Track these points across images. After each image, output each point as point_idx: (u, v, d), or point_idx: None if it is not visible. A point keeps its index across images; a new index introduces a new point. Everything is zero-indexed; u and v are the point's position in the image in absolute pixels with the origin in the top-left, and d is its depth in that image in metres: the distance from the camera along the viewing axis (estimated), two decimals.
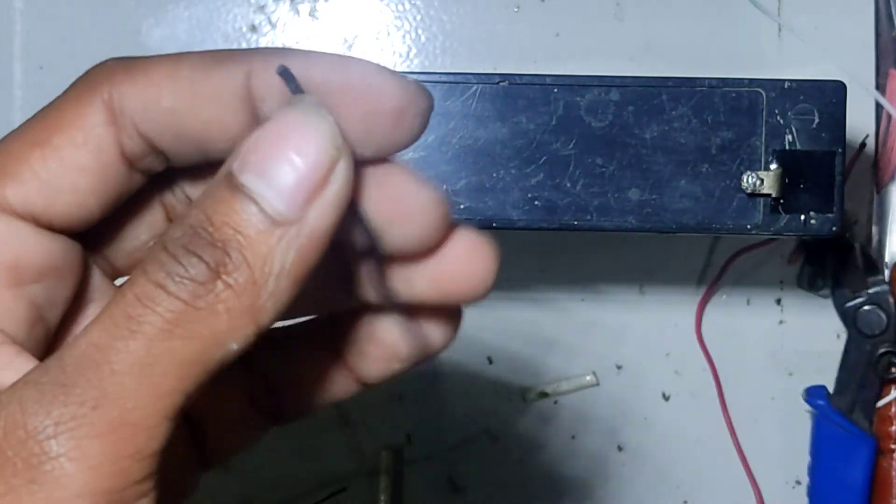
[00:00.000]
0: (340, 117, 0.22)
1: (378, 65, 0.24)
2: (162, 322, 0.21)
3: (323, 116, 0.22)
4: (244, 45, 0.54)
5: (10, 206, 0.24)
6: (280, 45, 0.22)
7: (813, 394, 0.52)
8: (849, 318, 0.52)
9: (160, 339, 0.21)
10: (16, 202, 0.24)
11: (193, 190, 0.27)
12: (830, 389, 0.52)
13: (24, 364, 0.23)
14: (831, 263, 0.52)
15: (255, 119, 0.24)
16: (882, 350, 0.51)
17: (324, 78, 0.23)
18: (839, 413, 0.51)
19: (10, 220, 0.24)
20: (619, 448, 0.55)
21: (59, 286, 0.25)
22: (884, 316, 0.51)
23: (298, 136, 0.22)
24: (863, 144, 0.52)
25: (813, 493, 0.53)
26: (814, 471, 0.53)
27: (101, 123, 0.24)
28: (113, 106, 0.24)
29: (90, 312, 0.26)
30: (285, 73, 0.23)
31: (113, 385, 0.21)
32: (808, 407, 0.52)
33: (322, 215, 0.22)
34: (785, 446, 0.54)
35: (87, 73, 0.25)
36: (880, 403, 0.52)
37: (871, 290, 0.52)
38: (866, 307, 0.52)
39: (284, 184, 0.21)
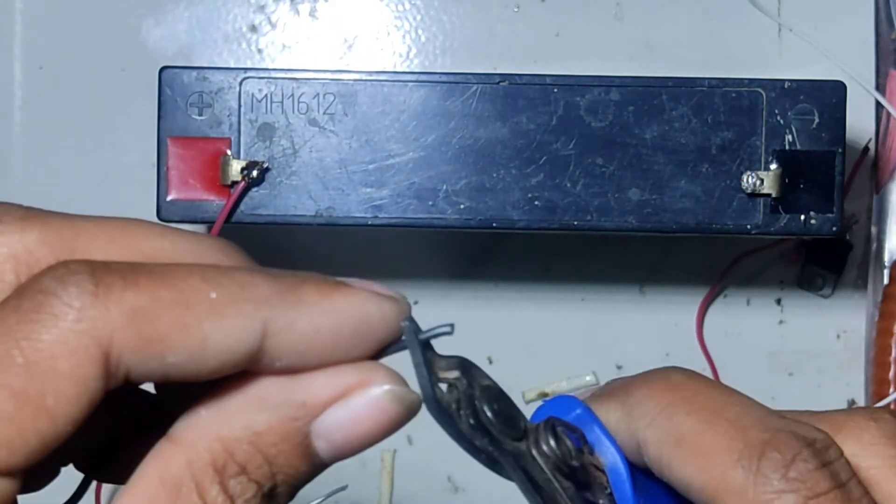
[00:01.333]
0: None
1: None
2: None
3: (409, 404, 0.22)
4: (244, 46, 0.54)
5: None
6: (299, 280, 0.20)
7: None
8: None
9: None
10: None
11: None
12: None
13: None
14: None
15: (252, 362, 0.22)
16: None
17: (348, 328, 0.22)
18: None
19: None
20: None
21: None
22: None
23: (385, 425, 0.22)
24: (866, 148, 0.52)
25: None
26: None
27: (93, 378, 0.20)
28: (110, 361, 0.20)
29: None
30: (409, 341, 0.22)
31: None
32: (806, 406, 0.52)
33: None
34: None
35: (64, 290, 0.20)
36: (885, 401, 0.52)
37: None
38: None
39: (346, 455, 0.22)
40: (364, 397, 0.22)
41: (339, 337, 0.22)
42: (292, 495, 0.22)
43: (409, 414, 0.22)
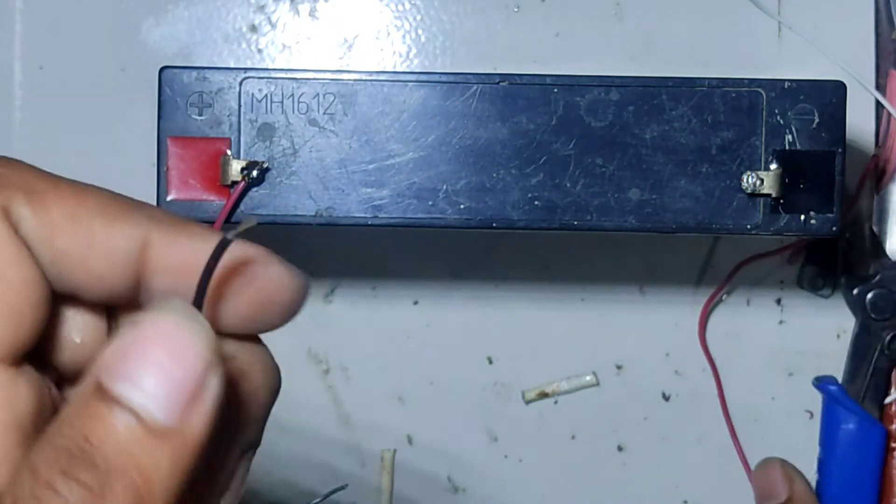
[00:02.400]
0: (224, 304, 0.23)
1: (268, 253, 0.24)
2: None
3: (197, 321, 0.21)
4: (244, 46, 0.54)
5: None
6: (170, 212, 0.22)
7: (825, 381, 0.52)
8: (859, 302, 0.52)
9: None
10: None
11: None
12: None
13: None
14: (842, 247, 0.52)
15: (137, 285, 0.23)
16: (892, 333, 0.51)
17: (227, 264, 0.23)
18: (851, 399, 0.51)
19: None
20: (619, 448, 0.55)
21: None
22: (894, 299, 0.52)
23: (174, 342, 0.21)
24: (874, 156, 0.52)
25: (824, 480, 0.52)
26: (824, 458, 0.52)
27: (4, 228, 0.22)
28: (11, 218, 0.22)
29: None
30: (218, 250, 0.23)
31: None
32: (806, 405, 0.52)
33: (201, 422, 0.21)
34: (785, 446, 0.54)
35: None
36: (887, 400, 0.52)
37: (881, 274, 0.52)
38: (877, 291, 0.52)
39: (162, 392, 0.20)
40: (147, 323, 0.21)
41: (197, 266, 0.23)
42: (151, 469, 0.20)
43: (190, 322, 0.21)
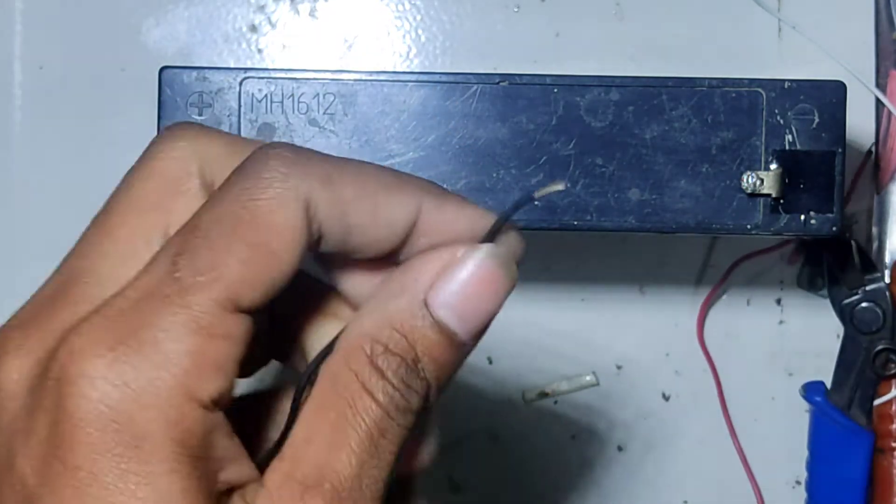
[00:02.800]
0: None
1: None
2: (369, 430, 0.25)
3: (513, 271, 0.27)
4: (244, 46, 0.54)
5: (235, 304, 0.25)
6: (430, 181, 0.27)
7: (811, 390, 0.52)
8: (846, 315, 0.52)
9: (368, 440, 0.25)
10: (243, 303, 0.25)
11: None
12: (829, 386, 0.52)
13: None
14: (828, 261, 0.52)
15: (403, 245, 0.27)
16: (879, 347, 0.51)
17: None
18: (836, 409, 0.51)
19: (237, 317, 0.25)
20: (619, 448, 0.55)
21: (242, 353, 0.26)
22: (880, 313, 0.51)
23: (495, 287, 0.27)
24: (869, 152, 0.52)
25: (811, 489, 0.53)
26: (812, 467, 0.53)
27: (301, 228, 0.25)
28: (310, 213, 0.25)
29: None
30: (501, 221, 0.27)
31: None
32: (807, 405, 0.52)
33: (475, 345, 0.27)
34: (785, 446, 0.54)
35: (269, 163, 0.25)
36: (879, 401, 0.52)
37: (868, 288, 0.52)
38: (863, 304, 0.52)
39: (476, 327, 0.27)
40: (468, 260, 0.26)
41: (467, 230, 0.27)
42: (442, 370, 0.26)
43: (506, 268, 0.27)
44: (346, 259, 0.28)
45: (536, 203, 0.31)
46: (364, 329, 0.26)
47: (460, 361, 0.27)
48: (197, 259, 0.24)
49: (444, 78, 0.44)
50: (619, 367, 0.55)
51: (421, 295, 0.26)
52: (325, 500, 0.24)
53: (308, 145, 0.44)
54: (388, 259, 0.27)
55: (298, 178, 0.25)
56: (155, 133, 0.44)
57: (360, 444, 0.25)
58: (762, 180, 0.43)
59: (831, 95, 0.43)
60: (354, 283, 0.28)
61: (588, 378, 0.55)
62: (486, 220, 0.27)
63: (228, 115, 0.44)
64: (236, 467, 0.25)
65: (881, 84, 0.53)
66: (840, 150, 0.43)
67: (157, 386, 0.23)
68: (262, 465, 0.25)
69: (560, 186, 0.28)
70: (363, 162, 0.27)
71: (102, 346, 0.23)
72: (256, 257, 0.24)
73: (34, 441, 0.23)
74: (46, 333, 0.24)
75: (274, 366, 0.31)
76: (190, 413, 0.23)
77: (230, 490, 0.24)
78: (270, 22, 0.55)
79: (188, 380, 0.23)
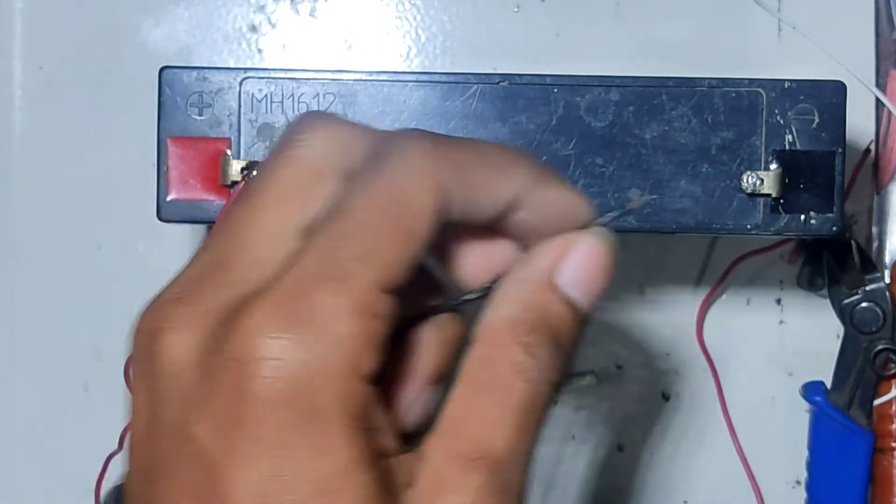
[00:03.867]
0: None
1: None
2: (522, 406, 0.28)
3: (616, 251, 0.30)
4: (244, 46, 0.54)
5: (389, 285, 0.26)
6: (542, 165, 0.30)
7: (811, 390, 0.52)
8: (846, 315, 0.52)
9: (522, 415, 0.28)
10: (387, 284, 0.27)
11: None
12: (829, 385, 0.52)
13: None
14: (828, 261, 0.52)
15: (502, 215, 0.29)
16: (879, 347, 0.51)
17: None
18: (836, 409, 0.51)
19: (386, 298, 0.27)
20: (619, 448, 0.55)
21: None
22: (880, 313, 0.51)
23: (607, 264, 0.30)
24: (867, 150, 0.52)
25: (811, 489, 0.53)
26: (812, 467, 0.53)
27: (436, 212, 0.27)
28: (443, 198, 0.27)
29: None
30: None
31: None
32: (807, 405, 0.52)
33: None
34: (785, 446, 0.54)
35: (412, 153, 0.27)
36: (880, 401, 0.52)
37: (868, 288, 0.52)
38: (863, 304, 0.52)
39: (595, 299, 0.30)
40: (581, 243, 0.29)
41: (563, 209, 0.29)
42: (574, 342, 0.29)
43: (613, 247, 0.30)
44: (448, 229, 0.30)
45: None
46: (502, 315, 0.28)
47: (584, 333, 0.29)
48: (353, 243, 0.26)
49: (444, 78, 0.44)
50: (619, 367, 0.55)
51: (548, 276, 0.29)
52: (488, 472, 0.26)
53: None
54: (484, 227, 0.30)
55: (437, 167, 0.27)
56: (155, 133, 0.44)
57: (514, 419, 0.27)
58: (762, 180, 0.43)
59: (831, 95, 0.43)
60: (453, 250, 0.31)
61: (588, 378, 0.55)
62: (579, 202, 0.30)
63: (228, 115, 0.44)
64: (389, 437, 0.27)
65: (881, 84, 0.53)
66: (840, 149, 0.43)
67: (330, 365, 0.25)
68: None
69: (647, 199, 0.31)
70: (481, 142, 0.30)
71: (275, 328, 0.25)
72: (403, 240, 0.26)
73: (213, 414, 0.25)
74: (209, 312, 0.26)
75: None
76: (357, 389, 0.25)
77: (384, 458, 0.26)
78: (270, 22, 0.55)
79: (354, 358, 0.25)
